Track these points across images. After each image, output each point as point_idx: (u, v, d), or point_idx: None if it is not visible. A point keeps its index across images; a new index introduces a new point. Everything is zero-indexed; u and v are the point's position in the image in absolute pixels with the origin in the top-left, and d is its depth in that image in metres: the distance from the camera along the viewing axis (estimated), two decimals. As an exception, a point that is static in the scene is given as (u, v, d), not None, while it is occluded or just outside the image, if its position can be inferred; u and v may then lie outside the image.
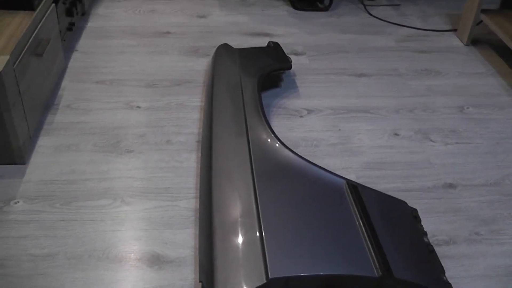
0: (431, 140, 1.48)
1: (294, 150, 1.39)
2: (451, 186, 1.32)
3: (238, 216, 1.06)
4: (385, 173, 1.35)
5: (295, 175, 1.16)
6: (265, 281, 0.91)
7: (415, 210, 1.19)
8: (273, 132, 1.28)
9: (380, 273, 0.96)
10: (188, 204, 1.20)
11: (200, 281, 0.97)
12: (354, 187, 1.15)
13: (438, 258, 1.07)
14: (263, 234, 0.99)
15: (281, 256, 0.95)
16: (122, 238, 1.10)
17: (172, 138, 1.43)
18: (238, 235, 1.02)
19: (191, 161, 1.32)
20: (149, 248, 1.09)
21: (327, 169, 1.26)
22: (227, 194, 1.12)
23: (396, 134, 1.51)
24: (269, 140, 1.25)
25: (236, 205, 1.09)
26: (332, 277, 0.95)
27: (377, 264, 0.97)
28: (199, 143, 1.40)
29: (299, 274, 0.93)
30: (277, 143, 1.23)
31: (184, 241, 1.10)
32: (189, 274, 1.04)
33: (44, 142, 1.37)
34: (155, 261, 1.06)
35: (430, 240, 1.15)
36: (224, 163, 1.20)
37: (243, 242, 1.00)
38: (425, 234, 1.12)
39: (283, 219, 1.04)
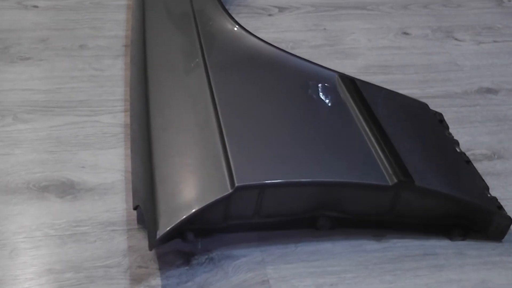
0: (456, 39, 1.51)
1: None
2: (489, 91, 1.34)
3: (188, 118, 1.06)
4: (393, 77, 1.37)
5: (264, 66, 1.17)
6: (230, 191, 0.88)
7: (439, 113, 1.19)
8: (232, 18, 1.28)
9: (395, 180, 0.94)
10: (113, 118, 1.20)
11: (134, 208, 0.96)
12: (350, 80, 1.15)
13: (477, 171, 1.07)
14: (224, 136, 0.98)
15: (250, 161, 0.95)
16: (17, 164, 1.08)
17: (88, 42, 1.43)
18: (189, 142, 1.01)
19: (116, 69, 1.34)
20: (57, 174, 1.06)
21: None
22: (170, 93, 1.12)
23: (406, 33, 1.53)
24: (226, 24, 1.26)
25: (183, 105, 1.09)
26: (326, 186, 0.95)
27: (389, 169, 0.96)
28: (128, 48, 1.39)
29: (277, 181, 0.92)
30: (236, 27, 1.25)
31: (110, 164, 1.09)
32: (118, 203, 1.02)
33: None
34: (68, 189, 1.03)
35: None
36: (163, 58, 1.21)
37: (198, 149, 0.99)
38: (456, 143, 1.12)
39: (251, 119, 1.04)
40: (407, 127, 1.09)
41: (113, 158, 1.09)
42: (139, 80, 1.20)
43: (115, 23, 1.46)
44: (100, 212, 1.00)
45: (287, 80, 1.14)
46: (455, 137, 1.16)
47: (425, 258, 0.95)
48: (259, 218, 0.95)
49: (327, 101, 1.10)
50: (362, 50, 1.42)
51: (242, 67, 1.16)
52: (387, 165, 0.97)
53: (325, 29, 1.49)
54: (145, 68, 1.21)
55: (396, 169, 0.95)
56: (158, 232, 0.86)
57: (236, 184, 0.89)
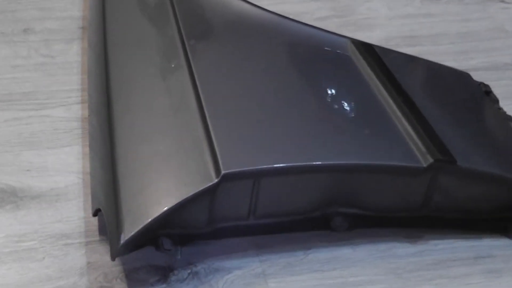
0: (502, 1, 1.52)
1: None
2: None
3: (159, 99, 1.06)
4: (422, 49, 1.37)
5: (254, 32, 1.19)
6: (215, 180, 0.87)
7: (486, 84, 1.19)
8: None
9: (431, 160, 0.92)
10: (67, 112, 1.21)
11: (94, 214, 0.95)
12: (367, 46, 1.15)
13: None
14: (206, 115, 0.98)
15: (241, 143, 0.94)
16: None
17: (34, 25, 1.44)
18: (161, 125, 1.01)
19: (70, 54, 1.36)
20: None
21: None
22: (137, 73, 1.14)
23: None
24: None
25: (154, 84, 1.09)
26: (340, 172, 0.94)
27: (422, 147, 0.95)
28: (85, 30, 1.41)
29: (276, 165, 0.90)
30: None
31: (63, 165, 1.09)
32: (73, 211, 1.01)
33: None
34: (7, 197, 1.03)
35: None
36: (128, 34, 1.25)
37: (173, 133, 0.99)
38: (510, 119, 1.12)
39: (240, 95, 1.04)
40: (443, 98, 1.09)
41: (66, 158, 1.10)
42: (99, 64, 1.21)
43: (69, 2, 1.48)
44: (50, 223, 0.99)
45: (283, 48, 1.15)
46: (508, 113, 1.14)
47: (478, 262, 0.94)
48: (255, 219, 0.93)
49: (337, 70, 1.10)
50: (380, 20, 1.44)
51: (226, 35, 1.18)
52: (418, 141, 0.95)
53: None
54: (105, 48, 1.22)
55: (431, 146, 0.93)
56: (122, 236, 0.84)
57: (223, 171, 0.86)
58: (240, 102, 1.01)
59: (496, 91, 1.22)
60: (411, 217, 0.97)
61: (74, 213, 1.01)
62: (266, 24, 1.19)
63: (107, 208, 0.90)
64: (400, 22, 1.44)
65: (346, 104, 1.03)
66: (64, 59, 1.33)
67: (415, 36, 1.41)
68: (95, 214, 0.94)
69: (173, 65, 1.11)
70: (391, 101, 1.03)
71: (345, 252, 0.94)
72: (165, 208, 0.85)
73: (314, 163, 0.91)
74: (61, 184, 1.05)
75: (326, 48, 1.14)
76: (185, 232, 0.91)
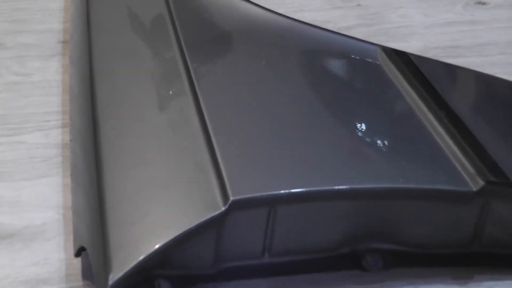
0: None
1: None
2: None
3: (155, 117, 1.08)
4: (467, 61, 1.37)
5: (266, 39, 1.21)
6: (222, 209, 0.86)
7: None
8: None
9: (482, 182, 0.92)
10: (45, 137, 1.22)
11: (77, 255, 0.95)
12: (400, 54, 1.16)
13: None
14: (211, 134, 0.98)
15: (252, 165, 0.94)
16: None
17: (6, 40, 1.47)
18: (158, 147, 1.02)
19: (49, 72, 1.38)
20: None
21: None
22: (128, 89, 1.17)
23: (481, 2, 1.56)
24: None
25: (149, 102, 1.11)
26: (373, 198, 0.93)
27: (470, 168, 0.94)
28: (66, 45, 1.44)
29: (295, 190, 0.89)
30: None
31: (40, 199, 1.10)
32: (51, 252, 1.02)
33: None
34: None
35: None
36: (118, 48, 1.28)
37: (172, 154, 0.99)
38: None
39: (250, 110, 1.05)
40: (493, 112, 1.09)
41: (44, 191, 1.10)
42: (84, 83, 1.23)
43: (47, 13, 1.50)
44: (24, 267, 1.00)
45: (300, 56, 1.16)
46: None
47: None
48: (271, 257, 0.93)
49: (365, 81, 1.11)
50: (416, 29, 1.45)
51: (234, 40, 1.20)
52: (465, 161, 0.95)
53: (359, 4, 1.52)
54: (91, 65, 1.24)
55: (481, 166, 0.93)
56: (110, 277, 0.83)
57: (231, 198, 0.86)
58: (250, 116, 1.02)
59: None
60: (459, 253, 0.96)
61: (53, 255, 1.01)
62: (281, 29, 1.23)
63: (92, 246, 0.90)
64: (439, 31, 1.46)
65: (377, 119, 1.04)
66: (41, 78, 1.35)
67: (458, 46, 1.42)
68: (77, 254, 0.94)
69: (171, 79, 1.12)
70: (431, 116, 1.03)
71: (381, 296, 0.90)
72: (163, 243, 0.84)
73: (341, 187, 0.91)
74: (38, 221, 1.06)
75: (352, 56, 1.15)
76: (187, 272, 0.91)
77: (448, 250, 0.96)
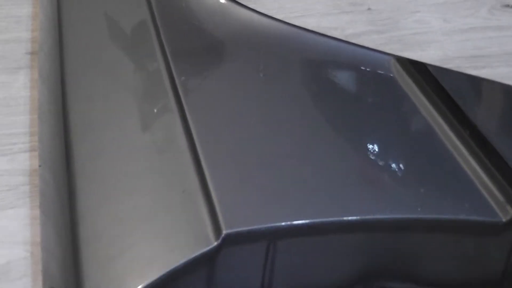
0: None
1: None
2: None
3: (137, 140, 1.07)
4: (492, 72, 1.39)
5: (263, 48, 1.21)
6: (214, 244, 0.87)
7: None
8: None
9: None
10: (10, 163, 1.23)
11: None
12: (417, 65, 1.16)
13: None
14: (201, 159, 0.98)
15: (247, 194, 0.95)
16: None
17: None
18: (141, 174, 1.02)
19: (14, 88, 1.39)
20: None
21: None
22: (106, 110, 1.16)
23: (508, 5, 1.58)
24: None
25: (129, 122, 1.11)
26: (385, 230, 0.93)
27: (499, 196, 0.94)
28: (35, 56, 1.45)
29: (297, 222, 0.90)
30: None
31: (4, 234, 1.10)
32: None
33: None
34: None
35: None
36: (93, 62, 1.27)
37: (156, 183, 1.00)
38: None
39: (245, 130, 1.06)
40: None
41: (9, 225, 1.11)
42: (55, 100, 1.23)
43: (12, 20, 1.52)
44: None
45: (303, 68, 1.17)
46: None
47: None
48: None
49: (377, 95, 1.12)
50: (434, 36, 1.46)
51: (226, 52, 1.20)
52: (494, 188, 0.95)
53: (369, 8, 1.53)
54: (63, 79, 1.24)
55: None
56: None
57: (224, 231, 0.86)
58: (245, 137, 1.02)
59: None
60: (487, 292, 0.92)
61: (19, 298, 0.98)
62: (281, 36, 1.23)
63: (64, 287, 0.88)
64: (461, 38, 1.47)
65: (391, 139, 1.04)
66: (6, 94, 1.35)
67: (482, 55, 1.42)
68: (48, 294, 0.91)
69: (155, 94, 1.12)
70: (453, 135, 1.03)
71: None
72: (146, 283, 0.84)
73: (350, 218, 0.91)
74: (2, 259, 1.06)
75: (362, 68, 1.16)
76: (174, 317, 0.88)
77: (474, 288, 0.93)
